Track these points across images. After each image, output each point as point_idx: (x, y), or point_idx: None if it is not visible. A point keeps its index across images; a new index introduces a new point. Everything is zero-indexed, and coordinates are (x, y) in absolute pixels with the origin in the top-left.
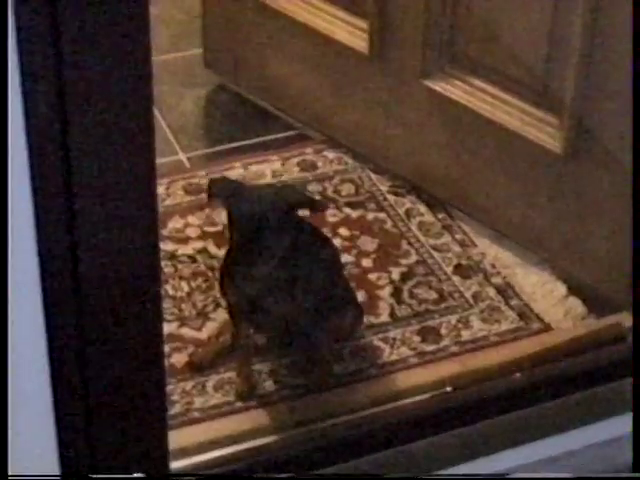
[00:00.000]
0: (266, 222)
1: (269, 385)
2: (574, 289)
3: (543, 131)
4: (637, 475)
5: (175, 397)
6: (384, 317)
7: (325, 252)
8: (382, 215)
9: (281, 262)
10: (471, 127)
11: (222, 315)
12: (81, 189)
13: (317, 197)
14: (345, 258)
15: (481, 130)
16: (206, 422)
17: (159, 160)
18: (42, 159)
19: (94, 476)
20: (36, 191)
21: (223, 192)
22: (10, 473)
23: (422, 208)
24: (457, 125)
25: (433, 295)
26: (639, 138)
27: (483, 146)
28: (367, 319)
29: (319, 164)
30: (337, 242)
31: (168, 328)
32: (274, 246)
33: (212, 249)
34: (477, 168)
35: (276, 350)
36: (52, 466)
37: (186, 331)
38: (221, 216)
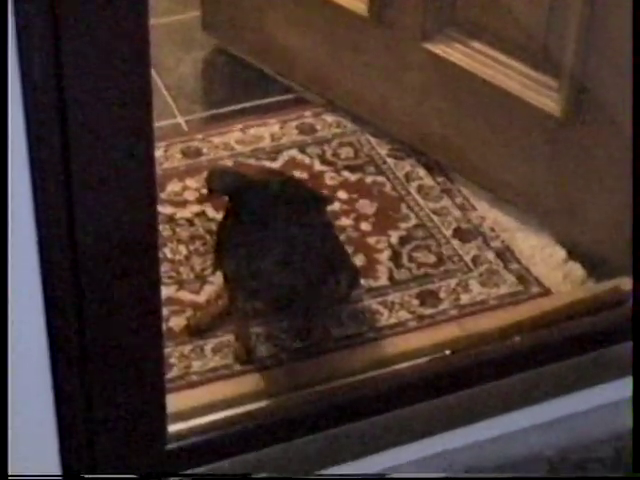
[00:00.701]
0: (266, 206)
1: (267, 348)
2: (573, 253)
3: (543, 94)
4: (637, 475)
5: (173, 360)
6: (383, 281)
7: (319, 216)
8: (381, 178)
9: (279, 233)
10: (471, 90)
11: (220, 278)
12: (78, 152)
13: (317, 162)
14: (344, 221)
15: (481, 93)
16: (204, 385)
17: (157, 123)
18: (39, 122)
19: (91, 476)
20: (33, 156)
21: (223, 186)
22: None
23: (421, 172)
24: (457, 88)
25: (432, 259)
26: (639, 133)
27: (483, 109)
28: (366, 283)
29: (318, 127)
30: (336, 205)
31: (166, 291)
32: (276, 231)
33: (210, 212)
34: (477, 131)
35: (274, 314)
36: (49, 425)
37: (184, 294)
38: None
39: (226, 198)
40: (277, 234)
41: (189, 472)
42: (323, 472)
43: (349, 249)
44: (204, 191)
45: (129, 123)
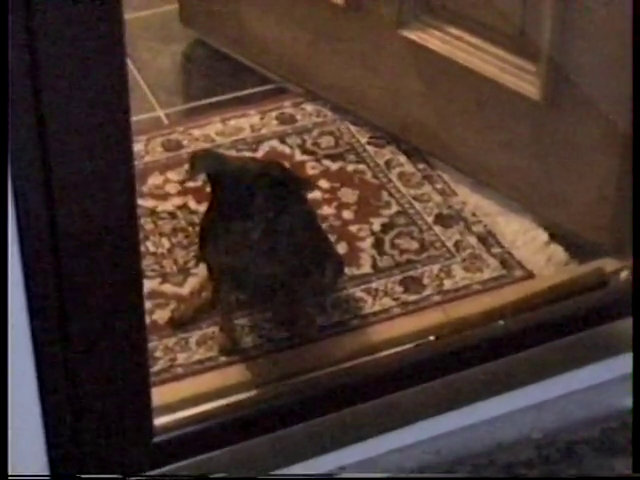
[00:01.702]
0: (251, 194)
1: (252, 339)
2: (555, 236)
3: (521, 78)
4: (637, 475)
5: (158, 354)
6: (366, 268)
7: (302, 204)
8: (362, 167)
9: (264, 227)
10: (449, 76)
11: (204, 270)
12: (56, 147)
13: (298, 152)
14: (326, 210)
15: (459, 79)
16: (189, 378)
17: (137, 117)
18: (16, 116)
19: (86, 476)
20: (11, 149)
21: (206, 166)
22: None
23: (402, 159)
24: (435, 74)
25: (414, 245)
26: (639, 131)
27: (461, 95)
28: (349, 271)
29: (298, 117)
30: (317, 194)
31: (150, 285)
32: (259, 217)
33: (192, 205)
34: (456, 117)
35: (258, 305)
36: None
37: (168, 287)
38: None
39: (209, 190)
40: (260, 223)
41: (177, 465)
42: (308, 461)
43: (332, 238)
44: (186, 184)
45: (105, 116)
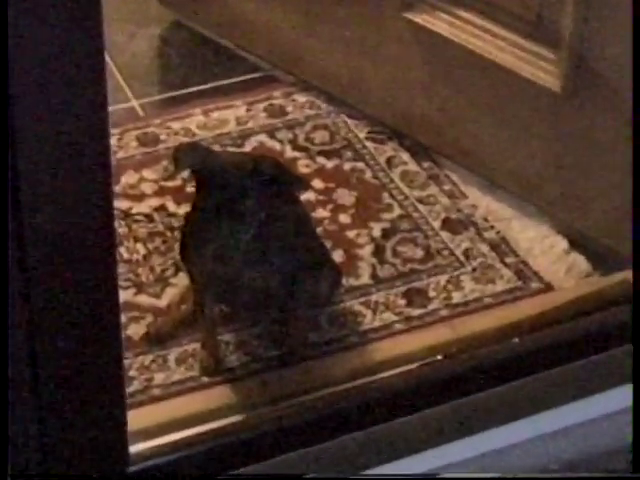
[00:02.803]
0: (241, 194)
1: (238, 357)
2: (576, 243)
3: (538, 67)
4: (637, 475)
5: (133, 373)
6: (365, 279)
7: (295, 211)
8: (360, 165)
9: (255, 232)
10: (458, 64)
11: (184, 280)
12: (24, 141)
13: (288, 148)
14: (320, 213)
15: (469, 67)
16: (168, 400)
17: (110, 108)
18: None
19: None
20: None
21: (191, 161)
22: None
23: (405, 156)
24: (443, 62)
25: (419, 253)
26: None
27: (472, 85)
28: (346, 281)
29: (289, 109)
30: (310, 196)
31: (123, 296)
32: (249, 220)
33: (171, 206)
34: (465, 110)
35: (245, 319)
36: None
37: (144, 299)
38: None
39: (189, 189)
40: (250, 227)
41: None
42: None
43: (327, 244)
44: (163, 183)
45: (80, 106)
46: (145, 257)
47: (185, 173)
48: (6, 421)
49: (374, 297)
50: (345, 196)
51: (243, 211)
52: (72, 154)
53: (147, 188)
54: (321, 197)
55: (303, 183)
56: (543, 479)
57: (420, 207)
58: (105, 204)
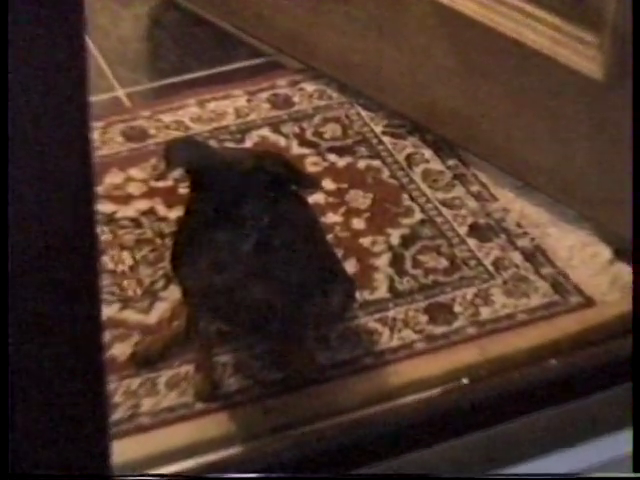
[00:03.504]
0: (241, 196)
1: (237, 381)
2: (622, 252)
3: (579, 52)
4: (637, 475)
5: (118, 399)
6: (381, 292)
7: (302, 214)
8: (376, 163)
9: (257, 239)
10: (488, 49)
11: (175, 294)
12: None
13: (295, 143)
14: (331, 218)
15: (500, 52)
16: (158, 429)
17: (93, 98)
18: None
19: None
20: None
21: (184, 158)
22: None
23: (427, 153)
24: (470, 47)
25: (443, 263)
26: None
27: (504, 73)
28: (360, 295)
29: (295, 99)
30: (320, 198)
31: (107, 311)
32: (250, 225)
33: (161, 210)
34: (496, 101)
35: (245, 337)
36: None
37: (130, 315)
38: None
39: (182, 191)
40: (251, 233)
41: None
42: None
43: (339, 253)
44: (153, 183)
45: (57, 95)
46: (132, 267)
47: (178, 172)
48: (6, 421)
49: (392, 313)
50: (359, 198)
51: (244, 216)
52: (45, 149)
53: (134, 189)
54: (332, 199)
55: (312, 182)
56: (543, 479)
57: (444, 211)
58: (85, 207)
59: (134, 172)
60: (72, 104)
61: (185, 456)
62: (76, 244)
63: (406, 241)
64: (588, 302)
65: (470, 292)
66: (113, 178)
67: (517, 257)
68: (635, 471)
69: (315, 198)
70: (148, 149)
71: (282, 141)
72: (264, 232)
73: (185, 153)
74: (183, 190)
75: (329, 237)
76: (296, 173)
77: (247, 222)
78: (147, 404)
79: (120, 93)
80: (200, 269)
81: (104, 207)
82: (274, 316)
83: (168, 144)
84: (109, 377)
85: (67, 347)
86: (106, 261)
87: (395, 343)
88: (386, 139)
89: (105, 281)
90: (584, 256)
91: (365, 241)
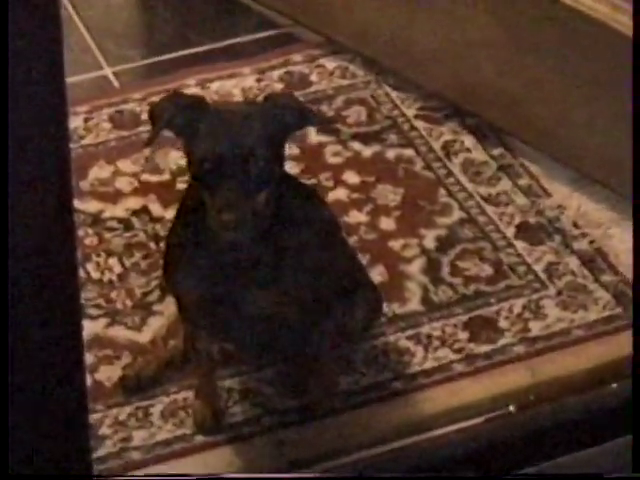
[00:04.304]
0: (246, 166)
1: (244, 410)
2: None
3: None
4: (637, 475)
5: (105, 430)
6: (414, 304)
7: (318, 213)
8: (408, 152)
9: (264, 233)
10: (536, 18)
11: (171, 307)
12: None
13: (313, 129)
14: (354, 217)
15: (551, 22)
16: (151, 466)
17: (74, 78)
18: None
19: None
20: None
21: (176, 118)
22: None
23: (468, 140)
24: (514, 16)
25: (486, 270)
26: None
27: (555, 45)
28: (389, 308)
29: (313, 78)
30: (342, 193)
31: (91, 327)
32: (258, 208)
33: (155, 209)
34: (549, 78)
35: (253, 359)
36: None
37: (119, 332)
38: (168, 159)
39: (180, 186)
40: (257, 232)
41: None
42: None
43: (363, 259)
44: (144, 177)
45: (25, 77)
46: (121, 276)
47: (170, 164)
48: (6, 421)
49: (426, 329)
50: (388, 194)
51: (252, 167)
52: (12, 136)
53: (124, 185)
54: (356, 195)
55: (328, 121)
56: (543, 479)
57: (488, 208)
58: (61, 204)
59: (124, 165)
60: (46, 83)
61: None
62: (51, 248)
63: (443, 244)
64: None
65: (518, 304)
66: (99, 172)
67: (574, 262)
68: (635, 471)
69: (336, 194)
70: (140, 138)
71: None
72: (273, 233)
73: (174, 108)
74: (181, 186)
75: (352, 240)
76: (310, 114)
77: (258, 173)
78: (139, 437)
79: (107, 72)
80: (197, 278)
81: (88, 206)
82: (287, 333)
83: (156, 103)
84: (94, 405)
85: (40, 370)
86: (90, 269)
87: (430, 364)
88: (420, 124)
89: (89, 293)
90: None
91: (395, 244)
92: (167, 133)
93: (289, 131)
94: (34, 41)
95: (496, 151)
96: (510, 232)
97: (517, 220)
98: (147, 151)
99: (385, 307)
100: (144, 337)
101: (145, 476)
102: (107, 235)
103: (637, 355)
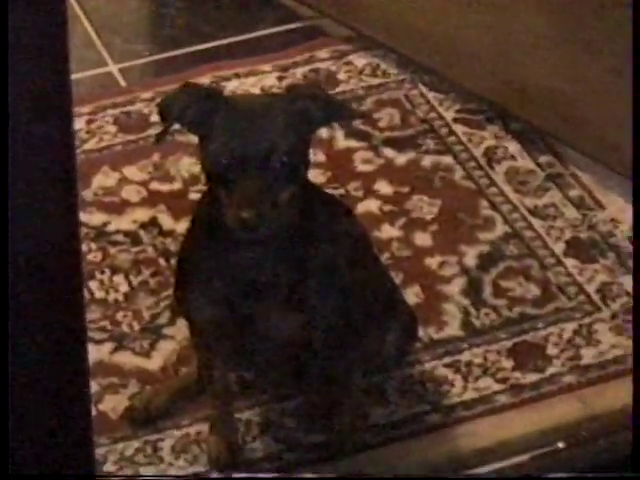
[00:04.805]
0: (268, 162)
1: (263, 445)
2: None
3: None
4: (637, 475)
5: (110, 467)
6: (453, 329)
7: (347, 227)
8: (446, 159)
9: (285, 246)
10: (590, 11)
11: (184, 331)
12: None
13: (340, 134)
14: (387, 232)
15: (608, 10)
16: None
17: (76, 75)
18: None
19: None
20: None
21: (189, 111)
22: None
23: (512, 146)
24: (567, 9)
25: (533, 291)
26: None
27: (611, 42)
28: (424, 333)
29: (341, 76)
30: (373, 205)
31: (96, 353)
32: (280, 208)
33: (165, 221)
34: (602, 78)
35: (274, 389)
36: None
37: (125, 358)
38: (180, 166)
39: (193, 195)
40: (286, 182)
41: None
42: None
43: (397, 278)
44: (154, 184)
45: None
46: (127, 296)
47: (183, 173)
48: (6, 421)
49: (466, 356)
50: (424, 206)
51: (268, 202)
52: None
53: (131, 194)
54: (388, 207)
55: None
56: (543, 479)
57: (535, 222)
58: (67, 216)
59: (130, 172)
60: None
61: None
62: (54, 264)
63: (485, 262)
64: None
65: (568, 329)
66: (103, 180)
67: (629, 283)
68: (635, 471)
69: (366, 206)
70: (148, 142)
71: (323, 131)
72: (296, 248)
73: (186, 100)
74: (194, 195)
75: (384, 257)
76: (338, 102)
77: (280, 169)
78: (148, 473)
79: (113, 68)
80: (212, 298)
81: (92, 217)
82: (312, 360)
83: (167, 97)
84: (98, 439)
85: (44, 399)
86: (93, 288)
87: (470, 395)
88: (459, 128)
89: (92, 314)
90: None
91: (431, 262)
92: (180, 137)
93: (315, 126)
94: (36, 35)
95: (544, 159)
96: (559, 248)
97: (567, 235)
98: (157, 157)
99: (421, 332)
100: (153, 364)
101: (145, 476)
102: (112, 250)
103: (637, 356)
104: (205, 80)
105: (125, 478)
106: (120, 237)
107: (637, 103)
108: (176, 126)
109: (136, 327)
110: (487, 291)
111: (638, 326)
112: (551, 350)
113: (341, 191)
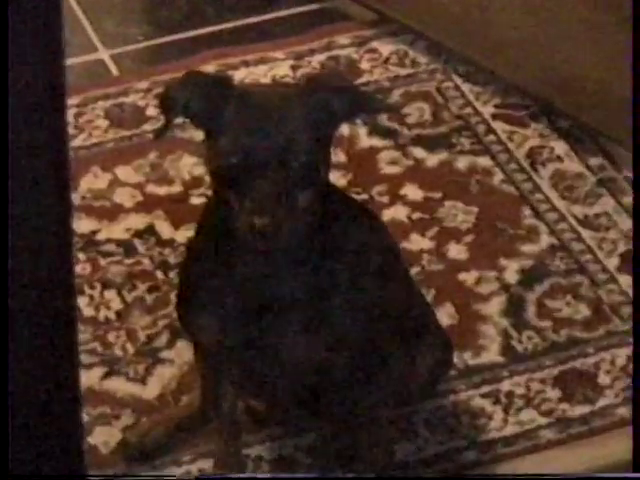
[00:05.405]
0: (284, 161)
1: None
2: None
3: None
4: (637, 475)
5: None
6: (491, 354)
7: (374, 238)
8: (484, 161)
9: (303, 257)
10: None
11: (185, 353)
12: None
13: (363, 131)
14: (417, 243)
15: None
16: None
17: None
18: None
19: None
20: None
21: (195, 102)
22: None
23: (559, 147)
24: None
25: (583, 312)
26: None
27: None
28: (460, 359)
29: (364, 65)
30: (400, 212)
31: (85, 379)
32: (297, 214)
33: (164, 229)
34: None
35: (288, 421)
36: None
37: (118, 384)
38: (180, 166)
39: (195, 201)
40: (305, 184)
41: None
42: None
43: (428, 296)
44: (150, 187)
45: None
46: (120, 314)
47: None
48: (6, 421)
49: (506, 385)
50: (458, 214)
51: (285, 208)
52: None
53: (124, 198)
54: (418, 215)
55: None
56: (543, 479)
57: (584, 233)
58: (57, 223)
59: (124, 173)
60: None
61: None
62: (45, 276)
63: (528, 278)
64: None
65: (622, 355)
66: (93, 181)
67: None
68: (635, 471)
69: (393, 213)
70: (144, 139)
71: (345, 128)
72: (316, 261)
73: (192, 90)
74: (196, 200)
75: (413, 271)
76: (364, 94)
77: (298, 169)
78: None
79: (104, 55)
80: (218, 318)
81: (80, 224)
82: (333, 387)
83: (169, 86)
84: (87, 476)
85: (30, 432)
86: (83, 305)
87: (511, 430)
88: (498, 126)
89: (82, 334)
90: None
91: (467, 278)
92: (180, 133)
93: (338, 121)
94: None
95: (594, 161)
96: (612, 264)
97: (621, 248)
98: (153, 156)
99: (455, 357)
100: (150, 392)
101: (145, 476)
102: (103, 262)
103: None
104: (209, 68)
105: (125, 478)
106: (112, 247)
107: (637, 103)
108: (178, 120)
109: (130, 349)
110: (530, 311)
111: (638, 325)
112: (602, 379)
113: (364, 196)
